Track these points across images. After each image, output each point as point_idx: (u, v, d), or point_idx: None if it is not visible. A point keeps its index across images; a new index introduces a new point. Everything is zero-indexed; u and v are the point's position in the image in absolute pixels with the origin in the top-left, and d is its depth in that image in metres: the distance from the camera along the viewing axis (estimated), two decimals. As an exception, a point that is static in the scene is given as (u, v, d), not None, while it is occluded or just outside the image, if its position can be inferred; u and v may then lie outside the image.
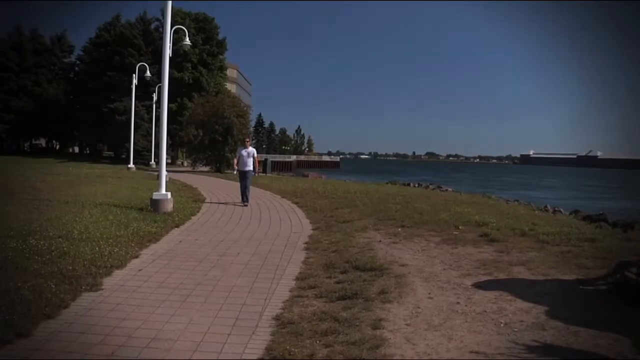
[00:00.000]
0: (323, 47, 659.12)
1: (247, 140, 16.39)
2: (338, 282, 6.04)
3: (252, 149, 15.16)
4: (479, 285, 5.93)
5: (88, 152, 69.07)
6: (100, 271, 6.19)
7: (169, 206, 11.95)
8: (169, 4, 12.88)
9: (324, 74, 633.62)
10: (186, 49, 26.24)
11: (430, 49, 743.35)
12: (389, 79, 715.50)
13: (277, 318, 4.83)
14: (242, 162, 14.96)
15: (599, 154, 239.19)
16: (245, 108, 37.68)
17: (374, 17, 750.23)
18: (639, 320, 4.68)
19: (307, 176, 40.65)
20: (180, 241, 8.73)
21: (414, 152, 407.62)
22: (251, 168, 14.94)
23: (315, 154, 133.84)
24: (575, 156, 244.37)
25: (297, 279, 6.34)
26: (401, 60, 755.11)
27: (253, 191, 15.96)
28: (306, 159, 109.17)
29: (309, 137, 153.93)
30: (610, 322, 4.60)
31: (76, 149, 75.23)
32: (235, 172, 16.16)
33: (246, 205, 14.06)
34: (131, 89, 35.83)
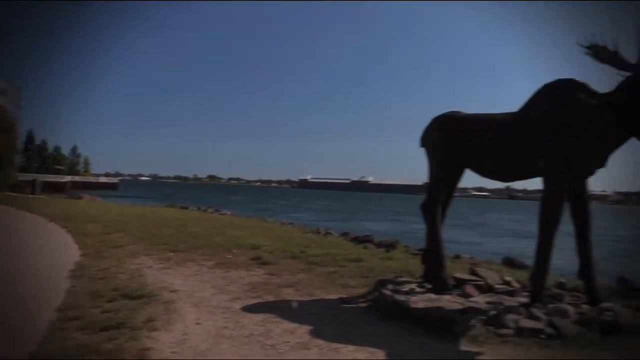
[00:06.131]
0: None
1: None
2: (104, 312, 5.80)
3: None
4: (248, 309, 6.19)
5: None
6: None
7: None
8: None
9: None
10: None
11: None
12: (158, 96, 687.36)
13: (32, 355, 4.48)
14: None
15: (370, 179, 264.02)
16: (12, 121, 33.65)
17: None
18: (393, 333, 5.34)
19: (82, 198, 37.79)
20: None
21: (195, 175, 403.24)
22: None
23: (92, 175, 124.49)
24: (349, 181, 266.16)
25: (58, 310, 5.92)
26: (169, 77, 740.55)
27: (10, 215, 13.64)
28: (82, 180, 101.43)
29: (87, 156, 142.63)
30: (368, 336, 5.19)
31: None
32: None
33: None
34: None
